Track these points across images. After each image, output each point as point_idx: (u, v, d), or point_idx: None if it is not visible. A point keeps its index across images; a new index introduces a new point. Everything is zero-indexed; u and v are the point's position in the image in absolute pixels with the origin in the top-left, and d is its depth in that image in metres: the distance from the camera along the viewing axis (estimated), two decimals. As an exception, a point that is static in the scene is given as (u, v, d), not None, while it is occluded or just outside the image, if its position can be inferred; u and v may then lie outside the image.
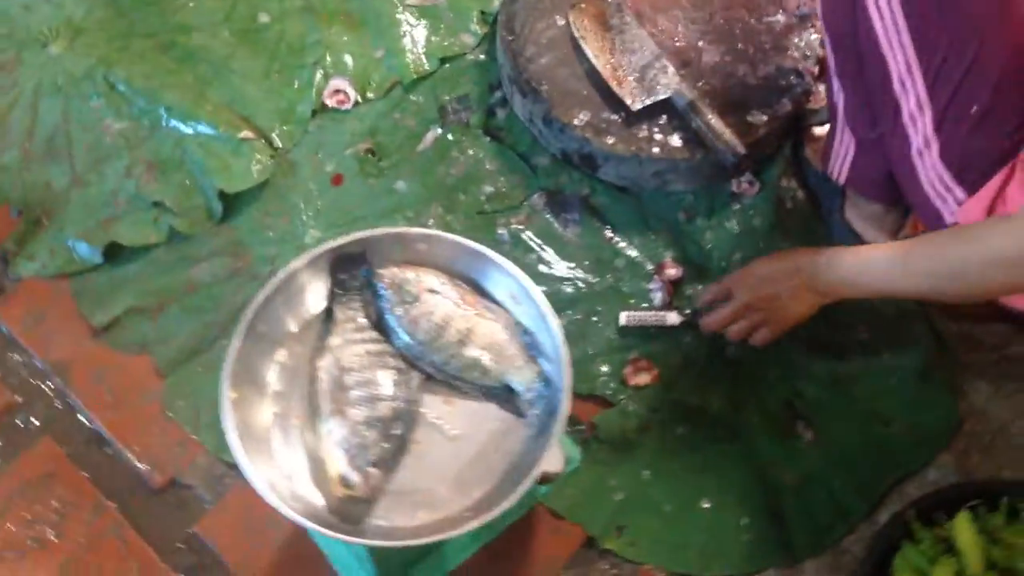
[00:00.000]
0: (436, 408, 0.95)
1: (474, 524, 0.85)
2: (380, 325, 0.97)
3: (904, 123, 1.08)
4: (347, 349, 0.94)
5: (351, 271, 0.98)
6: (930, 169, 1.09)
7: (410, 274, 0.97)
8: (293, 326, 0.98)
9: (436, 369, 0.95)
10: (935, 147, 1.07)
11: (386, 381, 0.93)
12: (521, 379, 0.94)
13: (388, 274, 0.97)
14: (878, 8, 1.03)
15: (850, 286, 1.09)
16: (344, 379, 0.92)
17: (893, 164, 1.17)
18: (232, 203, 1.43)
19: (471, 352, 0.94)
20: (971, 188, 1.07)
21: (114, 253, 1.39)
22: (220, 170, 1.43)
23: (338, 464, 0.88)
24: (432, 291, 0.96)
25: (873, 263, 1.06)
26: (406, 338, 0.95)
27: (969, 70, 0.99)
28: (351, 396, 0.91)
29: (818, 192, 1.43)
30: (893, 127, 1.11)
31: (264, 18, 1.59)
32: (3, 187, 1.46)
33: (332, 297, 0.98)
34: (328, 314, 0.98)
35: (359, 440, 0.88)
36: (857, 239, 1.35)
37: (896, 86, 1.06)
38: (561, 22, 1.50)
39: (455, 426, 0.94)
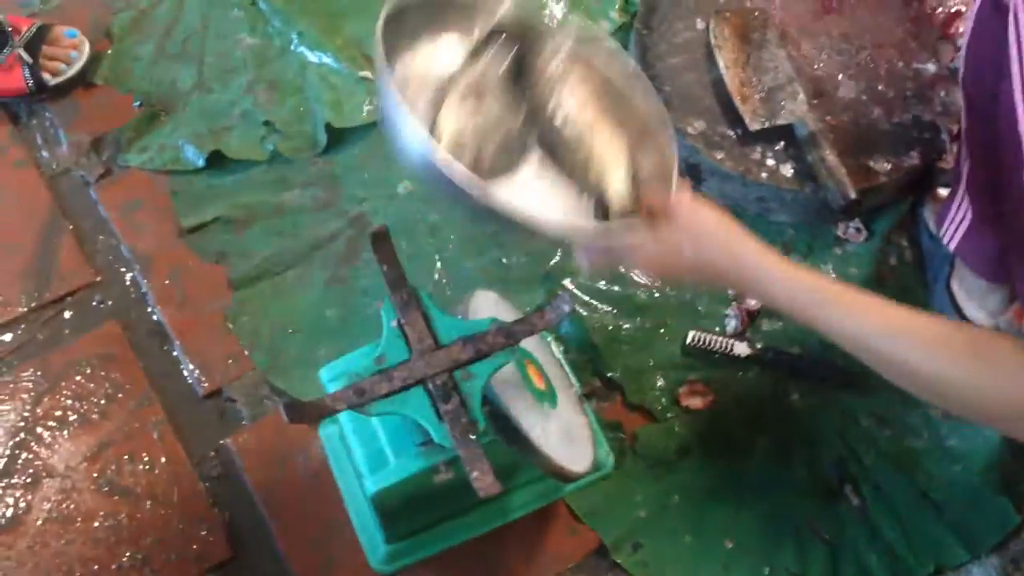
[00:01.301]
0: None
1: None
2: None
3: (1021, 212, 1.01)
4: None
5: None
6: None
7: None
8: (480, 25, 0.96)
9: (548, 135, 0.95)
10: None
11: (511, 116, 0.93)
12: (612, 194, 0.92)
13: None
14: None
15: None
16: (484, 92, 0.92)
17: (1011, 246, 1.10)
18: (337, 137, 1.45)
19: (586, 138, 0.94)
20: None
21: (216, 162, 1.43)
22: (333, 103, 1.45)
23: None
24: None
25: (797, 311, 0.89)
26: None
27: None
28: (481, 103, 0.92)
29: (928, 255, 1.36)
30: (1018, 211, 1.03)
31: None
32: (134, 76, 1.52)
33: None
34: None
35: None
36: (957, 312, 1.28)
37: None
38: (700, 26, 1.46)
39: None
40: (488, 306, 1.14)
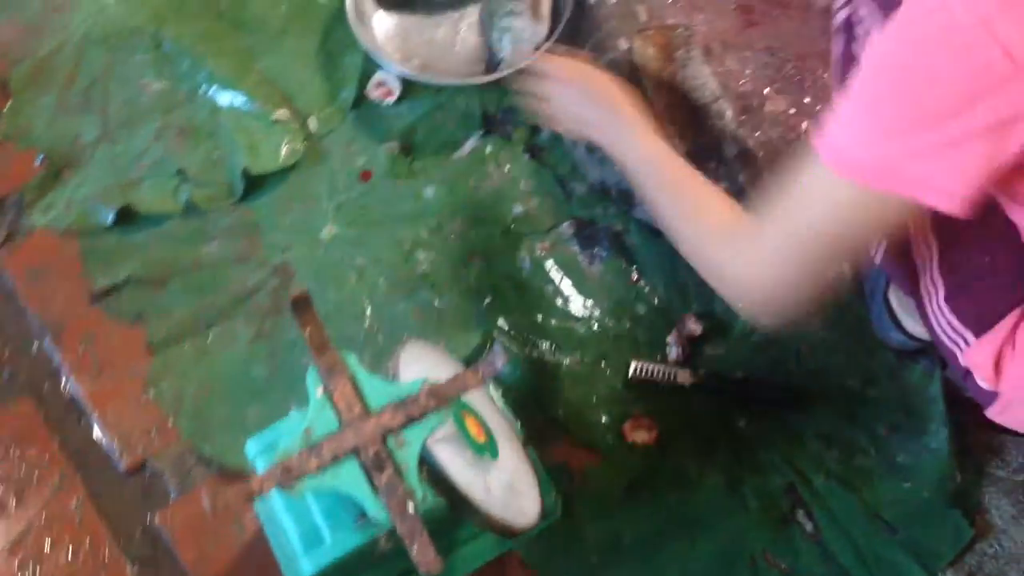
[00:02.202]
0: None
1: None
2: None
3: (914, 254, 1.00)
4: None
5: None
6: (937, 311, 1.00)
7: None
8: None
9: None
10: (941, 290, 0.98)
11: None
12: None
13: None
14: None
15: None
16: None
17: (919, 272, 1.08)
18: (255, 183, 1.39)
19: None
20: (978, 330, 0.97)
21: (128, 217, 1.36)
22: (249, 147, 1.39)
23: None
24: None
25: (633, 170, 1.02)
26: None
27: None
28: None
29: (865, 269, 1.34)
30: (909, 254, 1.03)
31: (324, -4, 1.54)
32: (34, 131, 1.44)
33: None
34: None
35: None
36: (895, 323, 1.26)
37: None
38: (624, 46, 1.42)
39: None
40: (419, 358, 1.09)
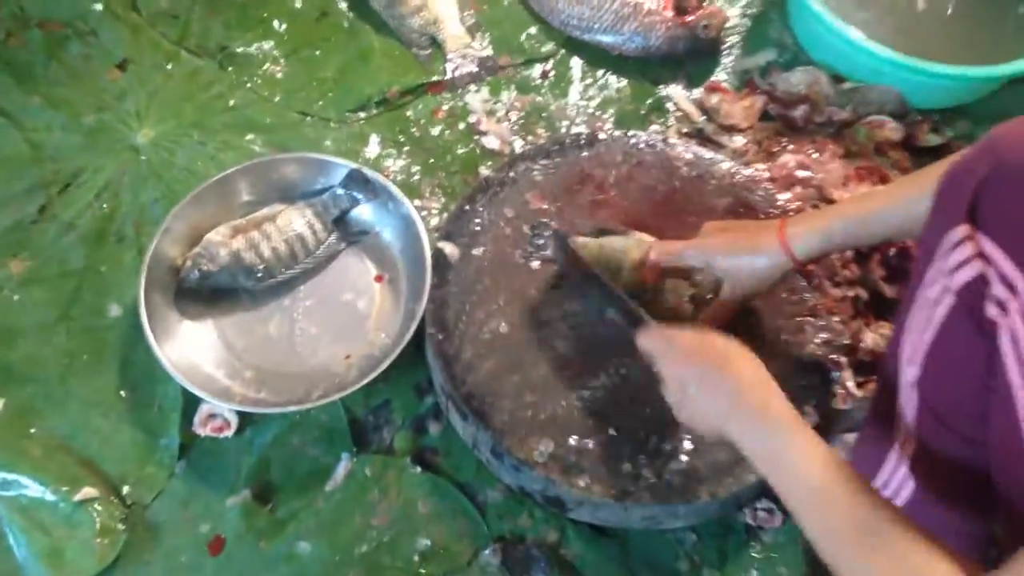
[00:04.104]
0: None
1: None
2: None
3: None
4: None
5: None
6: None
7: None
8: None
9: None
10: None
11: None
12: None
13: None
14: None
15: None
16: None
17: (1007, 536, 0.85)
18: (67, 599, 1.03)
19: None
20: None
21: None
22: (49, 554, 1.04)
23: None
24: None
25: (793, 498, 0.75)
26: None
27: None
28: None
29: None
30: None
31: (115, 311, 1.21)
32: None
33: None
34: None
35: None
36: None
37: None
38: (505, 303, 1.15)
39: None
40: None
